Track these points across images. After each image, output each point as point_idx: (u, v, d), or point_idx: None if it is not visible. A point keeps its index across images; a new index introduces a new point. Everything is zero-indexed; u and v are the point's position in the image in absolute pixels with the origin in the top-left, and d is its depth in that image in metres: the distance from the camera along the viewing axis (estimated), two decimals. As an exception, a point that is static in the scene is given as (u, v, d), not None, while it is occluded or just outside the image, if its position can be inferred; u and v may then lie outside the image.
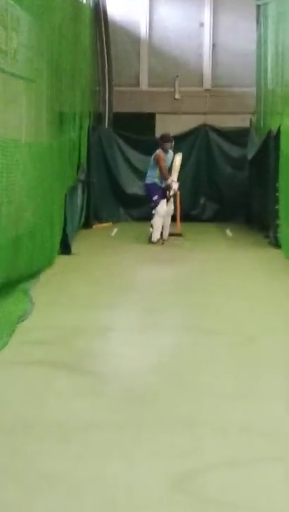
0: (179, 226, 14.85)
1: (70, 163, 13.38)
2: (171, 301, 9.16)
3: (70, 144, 13.52)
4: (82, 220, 15.53)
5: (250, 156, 16.51)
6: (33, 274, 9.75)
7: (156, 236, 13.89)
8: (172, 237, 14.35)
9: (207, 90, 19.02)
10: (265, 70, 15.66)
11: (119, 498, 3.94)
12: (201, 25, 19.06)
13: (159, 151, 14.05)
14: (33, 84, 10.06)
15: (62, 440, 4.72)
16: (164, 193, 13.97)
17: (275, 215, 13.37)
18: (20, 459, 4.41)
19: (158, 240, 13.88)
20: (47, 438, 4.74)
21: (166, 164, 14.00)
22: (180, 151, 14.64)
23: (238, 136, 17.70)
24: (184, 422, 5.02)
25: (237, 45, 18.72)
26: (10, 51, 8.77)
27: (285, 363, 6.48)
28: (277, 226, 13.32)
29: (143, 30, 19.06)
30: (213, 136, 18.06)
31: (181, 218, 14.97)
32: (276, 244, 13.13)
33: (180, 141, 16.24)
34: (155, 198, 13.97)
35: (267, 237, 14.08)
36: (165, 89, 18.97)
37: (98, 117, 17.85)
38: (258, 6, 16.81)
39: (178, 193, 14.32)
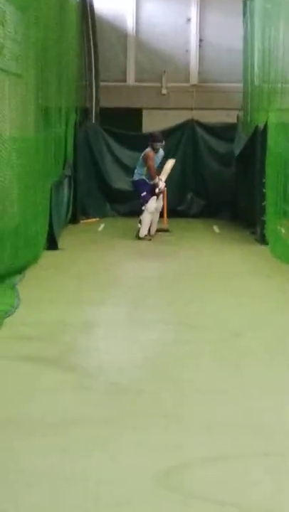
0: (166, 222, 14.85)
1: (55, 158, 13.33)
2: (158, 297, 9.17)
3: (56, 139, 13.48)
4: (69, 215, 15.49)
5: (237, 152, 16.48)
6: (18, 270, 9.72)
7: (143, 232, 13.87)
8: (159, 233, 14.35)
9: (194, 86, 19.00)
10: (252, 66, 15.66)
11: (104, 492, 3.94)
12: (188, 20, 19.03)
13: (148, 150, 14.01)
14: (19, 78, 10.02)
15: (48, 435, 4.72)
16: (152, 189, 13.96)
17: (262, 211, 13.34)
18: (5, 454, 4.41)
19: (145, 236, 13.87)
20: (32, 433, 4.74)
21: (154, 163, 13.98)
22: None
23: (225, 132, 17.65)
24: (168, 417, 5.03)
25: (224, 40, 18.70)
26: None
27: (270, 358, 6.50)
28: (263, 222, 13.30)
29: (130, 26, 19.03)
30: (200, 131, 18.01)
31: (167, 214, 14.98)
32: (262, 240, 13.13)
33: (167, 137, 16.21)
34: (143, 194, 13.96)
35: (253, 233, 14.07)
36: (152, 84, 18.96)
37: (85, 112, 17.79)
38: (245, 2, 16.81)
39: (164, 190, 14.31)
